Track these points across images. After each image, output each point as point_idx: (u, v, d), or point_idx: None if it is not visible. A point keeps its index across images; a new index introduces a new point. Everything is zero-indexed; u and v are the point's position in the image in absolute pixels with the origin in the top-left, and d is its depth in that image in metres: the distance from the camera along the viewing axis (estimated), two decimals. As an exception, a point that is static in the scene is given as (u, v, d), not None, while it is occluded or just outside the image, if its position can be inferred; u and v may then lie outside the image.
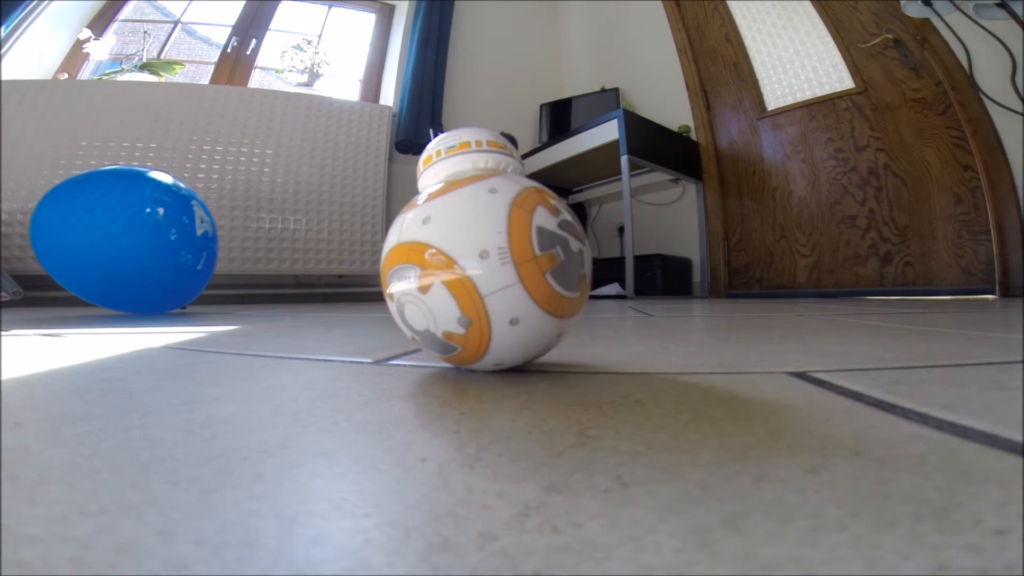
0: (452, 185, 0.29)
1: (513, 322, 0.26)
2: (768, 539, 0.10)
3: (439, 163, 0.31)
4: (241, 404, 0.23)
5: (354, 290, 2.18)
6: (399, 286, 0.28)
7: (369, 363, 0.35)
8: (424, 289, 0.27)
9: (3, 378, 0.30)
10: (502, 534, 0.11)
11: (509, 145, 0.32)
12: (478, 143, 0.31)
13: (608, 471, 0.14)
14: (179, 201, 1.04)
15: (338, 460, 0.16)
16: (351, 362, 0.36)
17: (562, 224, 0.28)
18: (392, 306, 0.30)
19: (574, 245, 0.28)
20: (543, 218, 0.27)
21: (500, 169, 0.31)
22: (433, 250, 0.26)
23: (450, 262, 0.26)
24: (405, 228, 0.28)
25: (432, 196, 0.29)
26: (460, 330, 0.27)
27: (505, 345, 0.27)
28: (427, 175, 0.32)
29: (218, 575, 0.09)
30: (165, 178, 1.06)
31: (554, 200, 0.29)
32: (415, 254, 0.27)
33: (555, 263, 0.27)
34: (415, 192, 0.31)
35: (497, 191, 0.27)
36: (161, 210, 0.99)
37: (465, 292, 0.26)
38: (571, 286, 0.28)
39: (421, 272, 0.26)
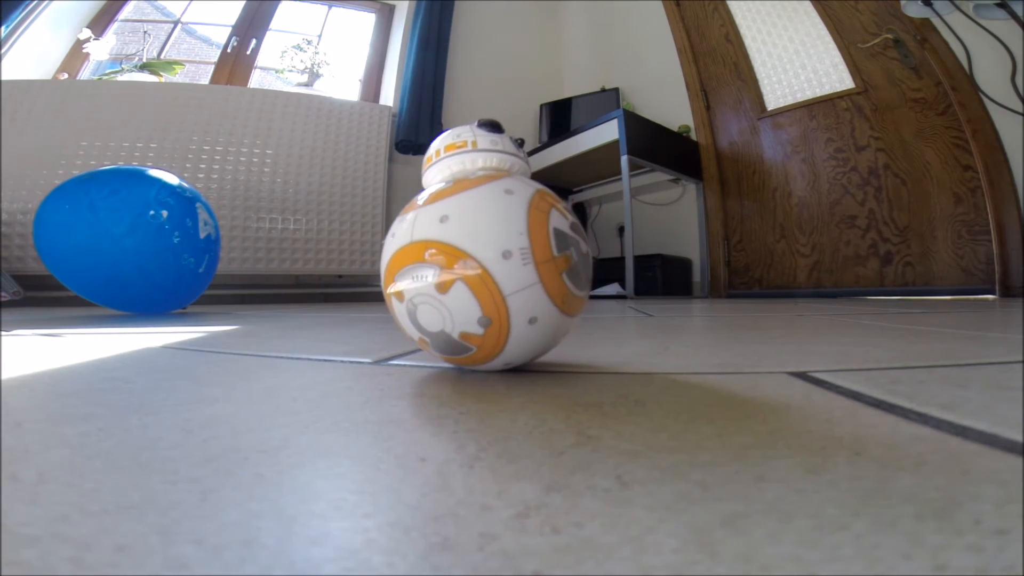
0: (463, 184, 0.28)
1: (532, 321, 0.27)
2: (768, 539, 0.10)
3: (444, 160, 0.31)
4: (241, 404, 0.23)
5: (354, 290, 2.18)
6: (412, 286, 0.27)
7: (369, 363, 0.35)
8: (443, 288, 0.26)
9: (3, 378, 0.30)
10: (502, 534, 0.11)
11: (514, 145, 0.32)
12: (474, 144, 0.31)
13: (608, 471, 0.14)
14: (183, 203, 1.04)
15: (338, 460, 0.16)
16: (351, 362, 0.36)
17: (572, 226, 0.29)
18: (400, 307, 0.29)
19: (583, 247, 0.29)
20: (558, 220, 0.28)
21: (506, 169, 0.31)
22: (454, 249, 0.26)
23: (472, 261, 0.25)
24: (418, 226, 0.27)
25: (441, 195, 0.28)
26: (479, 330, 0.27)
27: (520, 344, 0.28)
28: (432, 172, 0.31)
29: (218, 575, 0.09)
30: (171, 179, 1.06)
31: (562, 203, 0.30)
32: (432, 253, 0.26)
33: (570, 264, 0.28)
34: (416, 191, 0.31)
35: (513, 192, 0.27)
36: (165, 212, 0.99)
37: (487, 291, 0.26)
38: (581, 285, 0.29)
39: (440, 271, 0.26)
